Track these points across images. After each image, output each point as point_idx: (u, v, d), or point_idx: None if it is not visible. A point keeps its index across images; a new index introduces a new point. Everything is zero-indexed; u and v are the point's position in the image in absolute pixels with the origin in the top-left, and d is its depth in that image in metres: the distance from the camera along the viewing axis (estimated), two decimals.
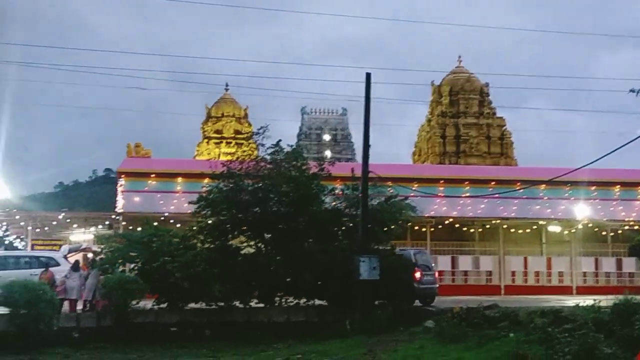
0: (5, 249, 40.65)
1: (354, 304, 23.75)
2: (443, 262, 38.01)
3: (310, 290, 24.74)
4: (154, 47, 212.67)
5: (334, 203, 27.09)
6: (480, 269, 38.88)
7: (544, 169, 40.93)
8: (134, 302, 22.81)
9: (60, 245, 32.94)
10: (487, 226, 39.65)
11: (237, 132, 67.43)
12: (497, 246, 39.08)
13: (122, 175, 39.70)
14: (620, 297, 19.09)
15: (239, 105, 70.37)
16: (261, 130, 27.03)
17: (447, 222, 38.59)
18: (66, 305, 23.48)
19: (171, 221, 33.98)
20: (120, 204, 38.01)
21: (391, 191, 28.98)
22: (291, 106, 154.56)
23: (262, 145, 27.08)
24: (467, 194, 40.77)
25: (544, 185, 39.04)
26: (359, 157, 48.24)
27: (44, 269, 24.36)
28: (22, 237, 41.56)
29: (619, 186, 42.19)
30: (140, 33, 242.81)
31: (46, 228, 39.16)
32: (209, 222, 26.11)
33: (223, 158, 42.01)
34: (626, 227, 40.30)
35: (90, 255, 28.72)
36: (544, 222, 39.74)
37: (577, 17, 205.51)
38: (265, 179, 25.91)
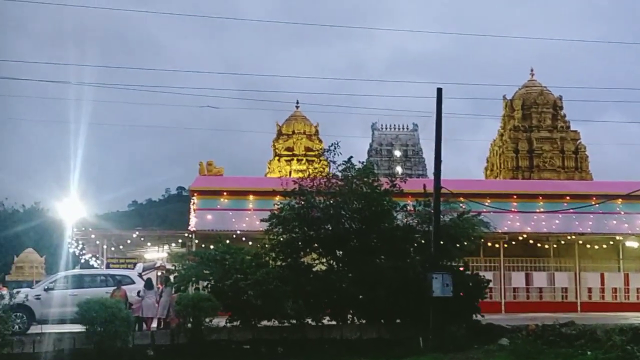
0: (81, 268, 41.33)
1: (427, 321, 23.52)
2: (517, 279, 37.61)
3: (382, 308, 24.49)
4: (225, 66, 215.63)
5: (406, 219, 26.89)
6: (555, 285, 38.29)
7: (621, 183, 40.21)
8: (207, 320, 22.93)
9: (135, 264, 33.33)
10: (562, 242, 38.93)
11: (307, 149, 67.74)
12: (572, 262, 38.37)
13: (195, 194, 40.13)
14: None
15: (309, 122, 70.73)
16: (332, 147, 26.86)
17: (520, 238, 37.92)
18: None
19: (243, 239, 34.16)
20: (193, 222, 38.38)
21: (463, 207, 28.64)
22: (361, 122, 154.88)
23: (333, 162, 26.95)
24: (541, 209, 40.14)
25: (620, 200, 38.32)
26: (430, 172, 48.04)
27: (115, 287, 24.53)
28: (97, 255, 42.22)
29: None
30: (212, 53, 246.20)
31: (121, 246, 39.71)
32: (281, 239, 26.14)
33: (294, 175, 42.21)
34: None
35: (163, 272, 29.05)
36: (621, 238, 38.71)
37: None
38: (337, 196, 25.84)
